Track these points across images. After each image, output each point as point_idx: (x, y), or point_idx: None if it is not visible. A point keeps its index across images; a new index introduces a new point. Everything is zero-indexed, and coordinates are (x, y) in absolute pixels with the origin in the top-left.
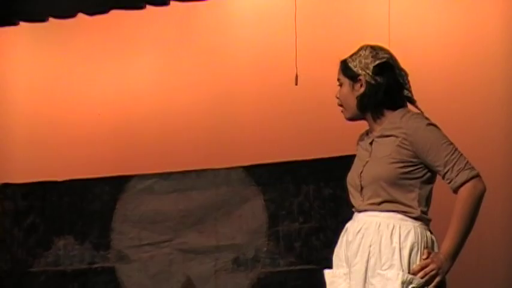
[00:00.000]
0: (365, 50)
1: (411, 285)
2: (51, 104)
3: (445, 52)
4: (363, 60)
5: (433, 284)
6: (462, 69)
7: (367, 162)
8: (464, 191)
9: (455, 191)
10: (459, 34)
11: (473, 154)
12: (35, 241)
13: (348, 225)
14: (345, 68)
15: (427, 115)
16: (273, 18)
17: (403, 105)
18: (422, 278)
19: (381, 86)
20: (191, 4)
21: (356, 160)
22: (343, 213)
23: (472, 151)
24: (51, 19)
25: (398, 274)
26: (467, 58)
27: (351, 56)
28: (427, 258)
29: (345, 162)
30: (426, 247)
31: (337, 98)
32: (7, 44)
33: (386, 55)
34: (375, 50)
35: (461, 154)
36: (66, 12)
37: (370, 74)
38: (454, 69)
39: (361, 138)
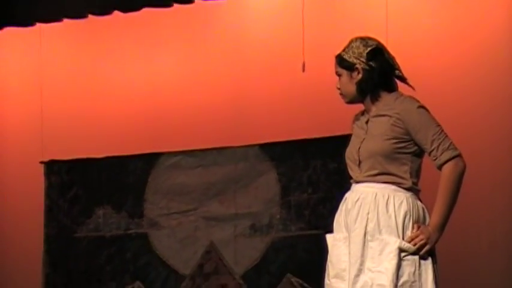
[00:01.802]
0: (356, 42)
1: (405, 251)
2: (93, 91)
3: (441, 52)
4: (356, 51)
5: (422, 251)
6: (459, 70)
7: (363, 139)
8: (447, 168)
9: (440, 167)
10: (455, 36)
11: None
12: (78, 210)
13: (347, 195)
14: (341, 61)
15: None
16: (284, 14)
17: (396, 88)
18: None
19: (375, 69)
20: (213, 2)
21: (353, 137)
22: (346, 184)
23: (463, 145)
24: (90, 16)
25: (396, 241)
26: (464, 59)
27: (344, 50)
28: (417, 230)
29: (347, 140)
30: (417, 215)
31: (338, 88)
32: (53, 38)
33: (375, 42)
34: (364, 39)
35: (446, 135)
36: (103, 10)
37: (364, 61)
38: (450, 70)
39: (356, 118)
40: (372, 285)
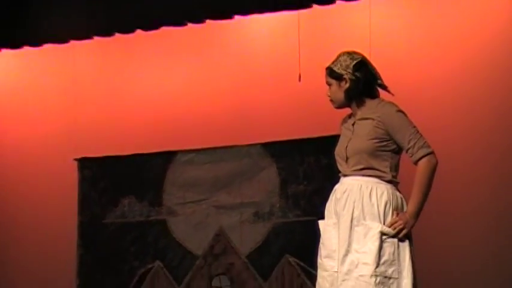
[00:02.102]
0: (343, 56)
1: (386, 235)
2: (118, 99)
3: (420, 64)
4: (343, 63)
5: (401, 235)
6: (438, 79)
7: (350, 139)
8: (422, 164)
9: (415, 163)
10: (432, 50)
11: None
12: (106, 200)
13: (336, 186)
14: (331, 72)
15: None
16: (282, 32)
17: (378, 95)
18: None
19: (360, 79)
20: (221, 22)
21: (341, 137)
22: (336, 178)
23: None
24: (117, 34)
25: (378, 226)
26: (440, 71)
27: (333, 62)
28: (396, 216)
29: (337, 139)
30: (396, 204)
31: (328, 96)
32: (84, 53)
33: (360, 56)
34: (350, 54)
35: (421, 135)
36: (127, 29)
37: (351, 72)
38: (429, 80)
39: (344, 121)
40: (357, 264)
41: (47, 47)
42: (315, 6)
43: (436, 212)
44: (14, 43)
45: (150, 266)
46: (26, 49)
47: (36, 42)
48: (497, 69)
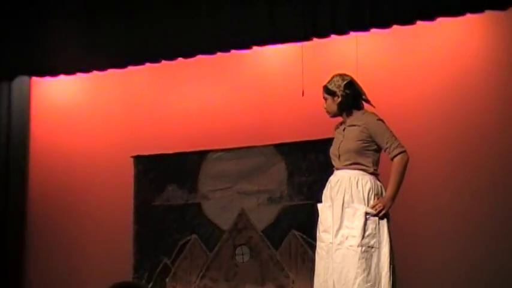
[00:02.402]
0: (336, 77)
1: (369, 214)
2: (166, 112)
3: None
4: (336, 83)
5: (380, 214)
6: (413, 99)
7: (342, 141)
8: (396, 160)
9: (392, 159)
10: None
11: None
12: (155, 187)
13: (331, 178)
14: (327, 90)
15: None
16: (289, 59)
17: (363, 107)
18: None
19: (349, 95)
20: (242, 52)
21: (335, 140)
22: (331, 171)
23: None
24: (163, 61)
25: (363, 207)
26: (409, 94)
27: (328, 82)
28: (377, 200)
29: (331, 141)
30: (377, 190)
31: (325, 108)
32: (139, 76)
33: (349, 77)
34: (342, 75)
35: (396, 138)
36: (171, 57)
37: (342, 89)
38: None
39: (337, 127)
40: (347, 237)
41: (111, 71)
42: (315, 39)
43: (411, 203)
44: (86, 69)
45: (188, 238)
46: (95, 73)
47: (102, 67)
48: (465, 92)
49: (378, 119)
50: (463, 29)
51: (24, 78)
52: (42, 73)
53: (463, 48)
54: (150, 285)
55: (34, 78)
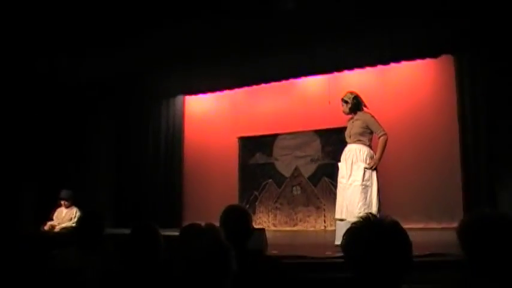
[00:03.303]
0: (348, 93)
1: (366, 168)
2: (254, 113)
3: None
4: (349, 96)
5: (373, 168)
6: (392, 118)
7: (351, 128)
8: (381, 139)
9: (379, 138)
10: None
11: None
12: (249, 154)
13: (345, 148)
14: (344, 100)
15: (372, 115)
16: (320, 83)
17: (363, 109)
18: (369, 166)
19: (355, 103)
20: (287, 81)
21: (347, 127)
22: (345, 144)
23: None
24: (254, 86)
25: (363, 164)
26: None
27: (344, 96)
28: (370, 160)
29: (345, 128)
30: (371, 155)
31: (343, 111)
32: (216, 98)
33: (355, 93)
34: (352, 92)
35: (381, 126)
36: (254, 83)
37: (352, 99)
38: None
39: (348, 120)
40: (354, 181)
41: (225, 92)
42: (335, 73)
43: (389, 169)
44: (219, 89)
45: (267, 181)
46: (213, 94)
47: (218, 89)
48: (423, 114)
49: (371, 116)
50: (420, 70)
51: (180, 96)
52: (192, 93)
53: (422, 83)
54: (247, 206)
55: (187, 96)
